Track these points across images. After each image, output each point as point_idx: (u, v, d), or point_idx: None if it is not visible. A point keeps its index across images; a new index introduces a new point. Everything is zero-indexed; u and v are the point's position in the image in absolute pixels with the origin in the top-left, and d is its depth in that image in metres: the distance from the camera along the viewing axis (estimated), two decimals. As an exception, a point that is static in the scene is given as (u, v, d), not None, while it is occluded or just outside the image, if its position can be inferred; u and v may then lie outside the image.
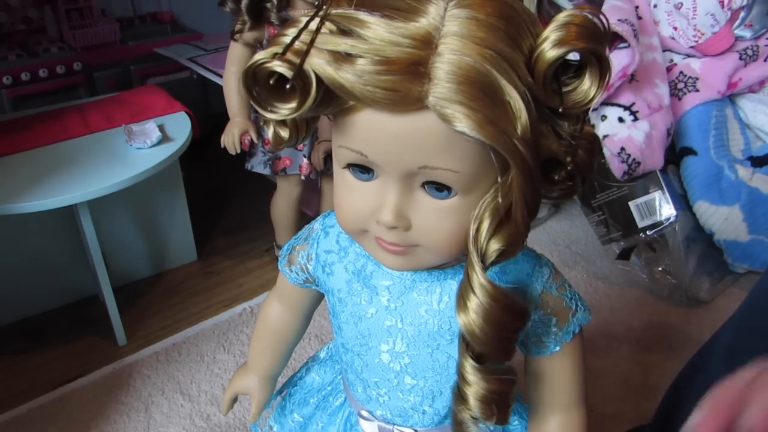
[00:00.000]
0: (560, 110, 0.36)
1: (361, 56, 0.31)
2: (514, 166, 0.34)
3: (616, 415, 1.06)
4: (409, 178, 0.37)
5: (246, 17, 1.21)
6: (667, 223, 1.34)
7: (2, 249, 1.30)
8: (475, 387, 0.38)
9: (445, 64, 0.31)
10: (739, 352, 0.67)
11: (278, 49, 0.33)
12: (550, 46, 0.32)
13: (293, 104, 0.33)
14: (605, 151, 1.37)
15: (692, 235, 1.41)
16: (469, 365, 0.38)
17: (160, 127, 1.30)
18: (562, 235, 1.66)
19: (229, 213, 1.81)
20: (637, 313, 1.35)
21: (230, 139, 1.31)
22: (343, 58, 0.32)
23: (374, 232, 0.40)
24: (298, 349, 1.25)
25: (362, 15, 0.32)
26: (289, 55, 0.32)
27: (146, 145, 1.23)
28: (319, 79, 0.32)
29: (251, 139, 1.32)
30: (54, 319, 1.39)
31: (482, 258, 0.36)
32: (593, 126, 1.38)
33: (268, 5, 1.20)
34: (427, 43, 0.31)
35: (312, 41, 0.32)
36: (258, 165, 1.36)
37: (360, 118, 0.35)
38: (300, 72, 0.32)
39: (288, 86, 0.32)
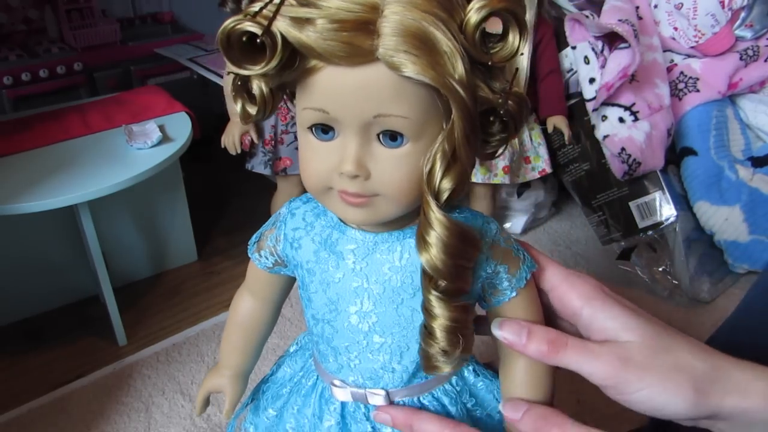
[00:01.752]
0: (490, 65, 0.41)
1: (318, 19, 0.37)
2: (455, 105, 0.39)
3: (616, 416, 1.05)
4: (365, 130, 0.41)
5: (246, 17, 1.21)
6: (667, 224, 1.34)
7: (2, 249, 1.31)
8: (440, 319, 0.44)
9: (390, 22, 0.37)
10: (736, 352, 0.67)
11: (248, 14, 0.38)
12: (474, 12, 0.38)
13: (263, 62, 0.38)
14: (605, 151, 1.37)
15: (693, 235, 1.41)
16: (434, 298, 0.44)
17: (161, 128, 1.30)
18: (563, 235, 1.66)
19: (230, 213, 1.81)
20: (637, 313, 1.35)
21: (230, 140, 1.31)
22: (304, 21, 0.37)
23: (337, 186, 0.44)
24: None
25: None
26: (258, 19, 0.37)
27: (146, 145, 1.23)
28: (285, 40, 0.37)
29: (251, 139, 1.33)
30: (54, 320, 1.39)
31: (436, 197, 0.42)
32: (593, 126, 1.38)
33: (269, 5, 1.20)
34: (374, 9, 0.37)
35: (278, 8, 0.37)
36: (258, 165, 1.36)
37: (321, 77, 0.40)
38: (268, 31, 0.37)
39: (259, 42, 0.37)
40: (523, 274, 0.51)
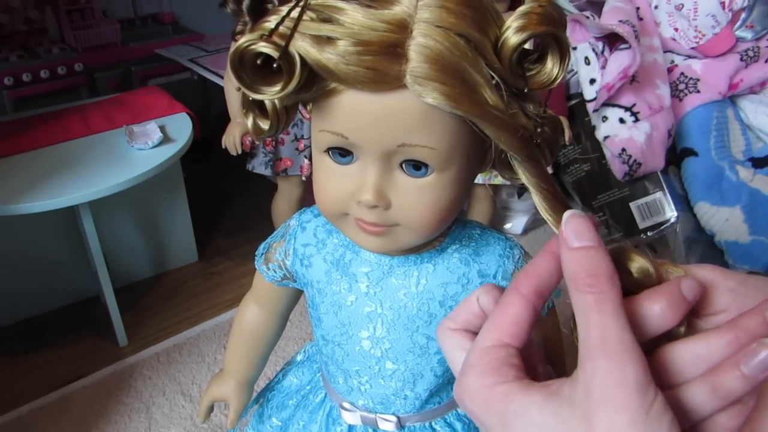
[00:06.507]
0: (526, 91, 0.37)
1: (341, 39, 0.33)
2: (497, 133, 0.34)
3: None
4: (387, 158, 0.38)
5: (247, 18, 1.21)
6: (668, 224, 1.34)
7: (4, 249, 1.31)
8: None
9: (420, 46, 0.33)
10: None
11: (264, 32, 0.34)
12: (513, 32, 0.34)
13: (279, 86, 0.34)
14: (606, 152, 1.37)
15: (693, 236, 1.41)
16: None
17: (161, 128, 1.30)
18: (563, 236, 1.66)
19: (230, 214, 1.81)
20: (638, 314, 1.35)
21: (231, 140, 1.31)
22: (325, 41, 0.33)
23: (355, 213, 0.41)
24: (291, 351, 1.26)
25: (340, 3, 0.34)
26: (275, 38, 0.34)
27: (147, 146, 1.23)
28: (303, 60, 0.34)
29: (252, 140, 1.33)
30: (55, 320, 1.39)
31: None
32: (594, 127, 1.38)
33: (270, 6, 1.20)
34: (403, 28, 0.33)
35: (296, 25, 0.34)
36: (259, 166, 1.36)
37: (341, 101, 0.36)
38: (285, 53, 0.33)
39: (275, 66, 0.34)
40: (547, 302, 0.47)
